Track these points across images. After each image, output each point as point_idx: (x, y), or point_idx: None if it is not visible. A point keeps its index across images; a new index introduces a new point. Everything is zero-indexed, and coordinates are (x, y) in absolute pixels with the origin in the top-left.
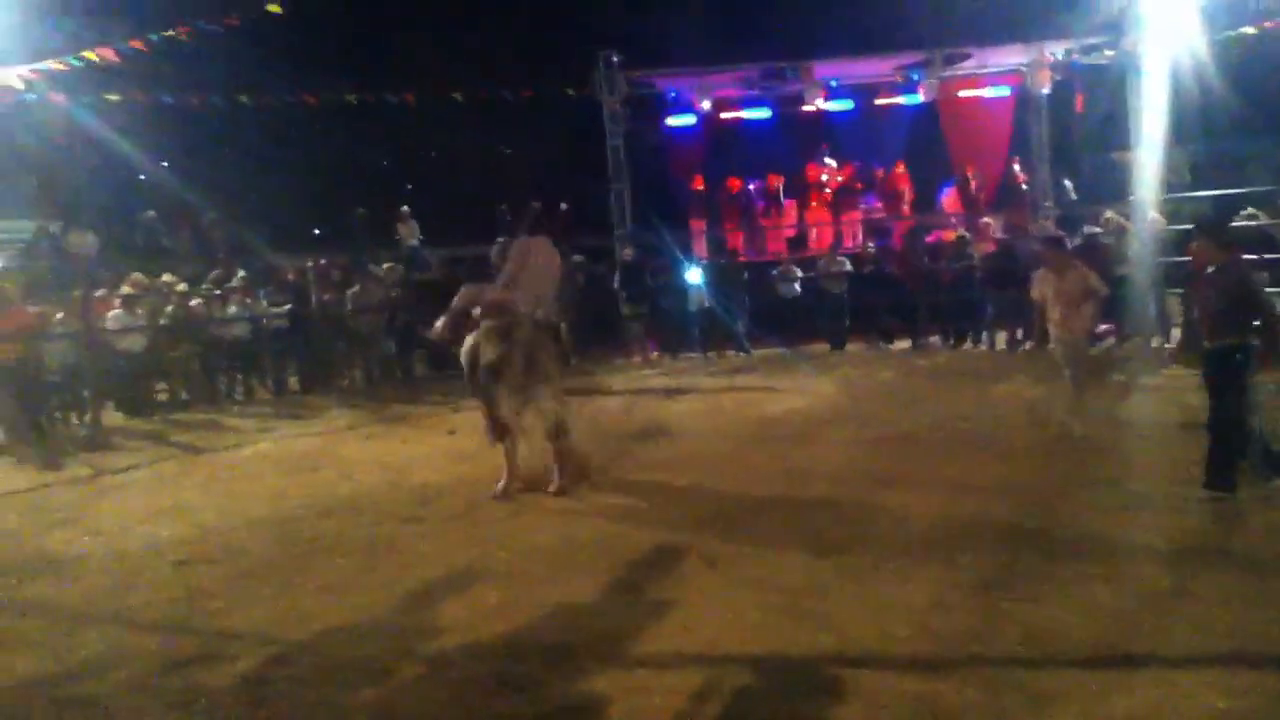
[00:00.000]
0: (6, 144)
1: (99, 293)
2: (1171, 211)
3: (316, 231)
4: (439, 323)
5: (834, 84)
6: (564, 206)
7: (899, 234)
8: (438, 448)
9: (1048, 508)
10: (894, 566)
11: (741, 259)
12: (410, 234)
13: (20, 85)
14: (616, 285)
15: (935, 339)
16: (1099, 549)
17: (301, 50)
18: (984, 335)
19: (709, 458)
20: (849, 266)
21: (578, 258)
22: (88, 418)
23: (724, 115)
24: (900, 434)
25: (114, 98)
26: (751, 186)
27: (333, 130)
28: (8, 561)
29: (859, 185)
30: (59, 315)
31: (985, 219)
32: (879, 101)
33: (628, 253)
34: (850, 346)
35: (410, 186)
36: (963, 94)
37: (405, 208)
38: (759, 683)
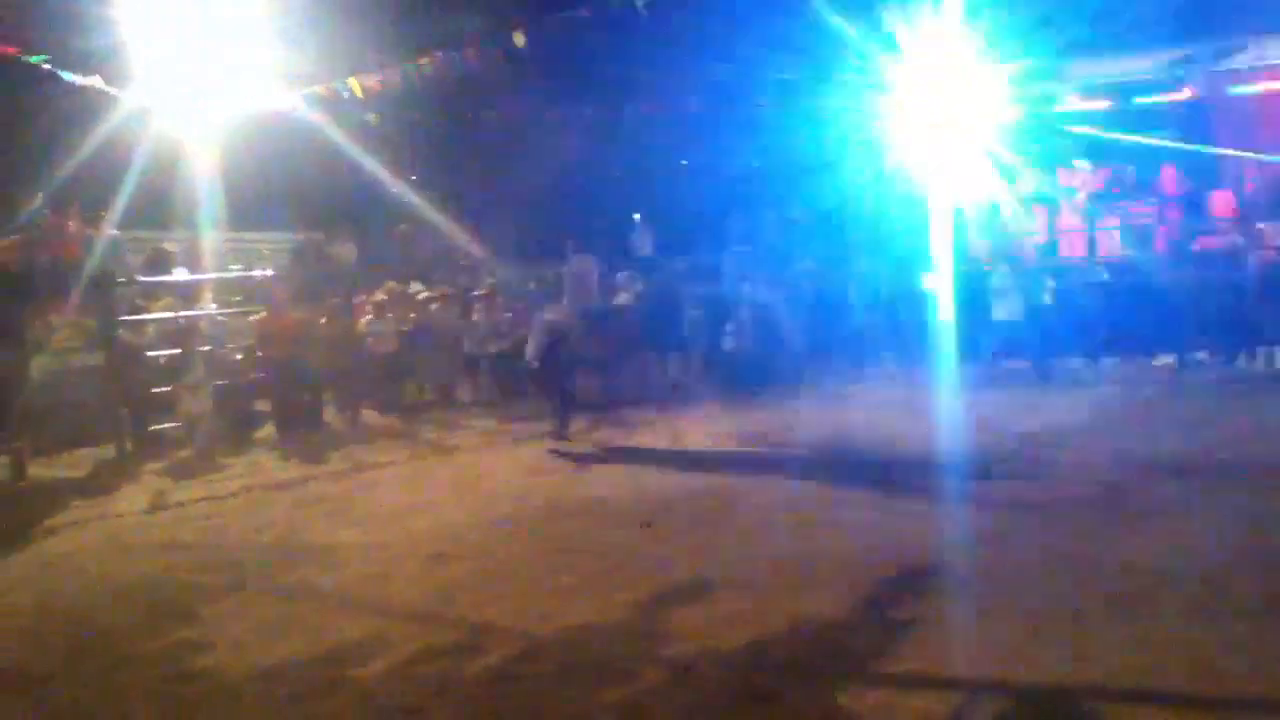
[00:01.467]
0: (277, 162)
1: (357, 299)
2: None
3: (552, 240)
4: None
5: (1088, 84)
6: (799, 213)
7: (1162, 241)
8: (667, 455)
9: None
10: (1163, 598)
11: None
12: (644, 243)
13: (294, 108)
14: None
15: (1203, 355)
16: None
17: (544, 66)
18: (1260, 352)
19: (958, 475)
20: (1106, 276)
21: (808, 266)
22: (348, 415)
23: None
24: (1162, 457)
25: (371, 118)
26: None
27: (572, 143)
28: (276, 548)
29: (1116, 190)
30: (323, 320)
31: (1262, 225)
32: (1139, 100)
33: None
34: (1105, 362)
35: (645, 197)
36: (1237, 89)
37: (639, 217)
38: (1014, 710)
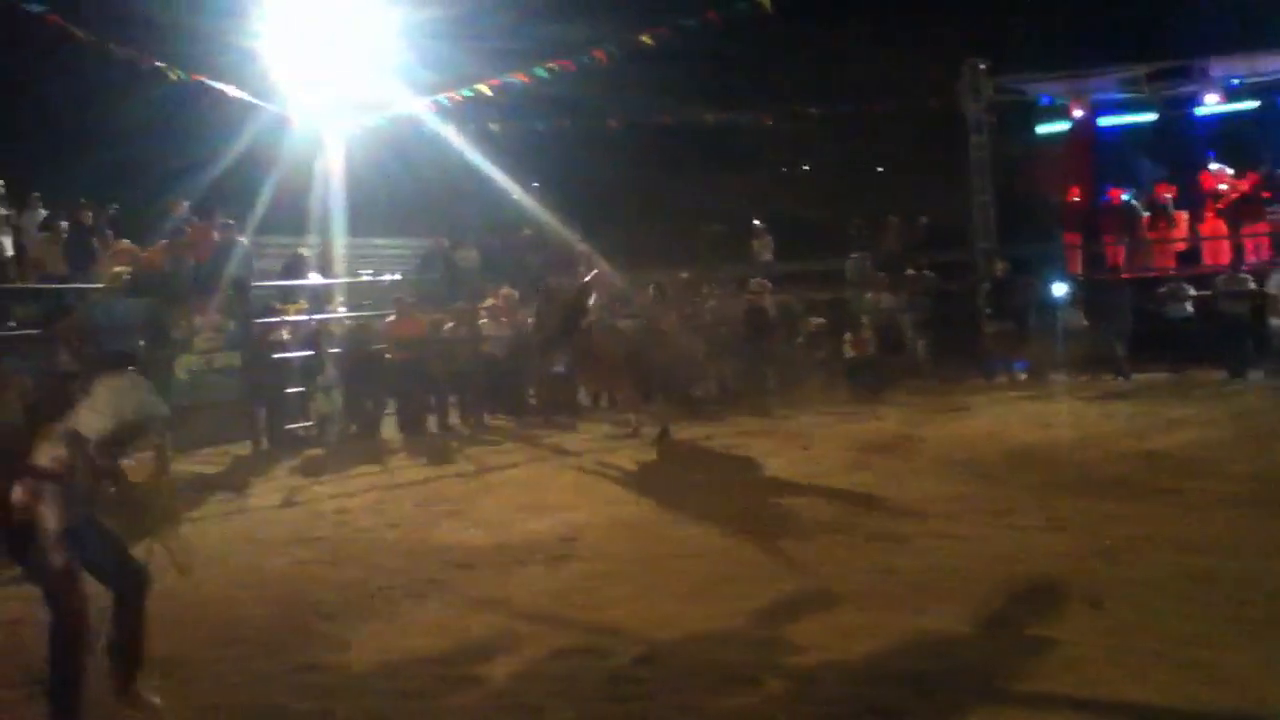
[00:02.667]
0: (405, 169)
1: (483, 304)
2: None
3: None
4: None
5: (1235, 83)
6: (923, 220)
7: None
8: (793, 462)
9: None
10: None
11: (1123, 275)
12: (764, 249)
13: (423, 116)
14: (981, 302)
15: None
16: None
17: (663, 75)
18: None
19: (1085, 490)
20: (1253, 284)
21: (928, 274)
22: (471, 417)
23: (1103, 121)
24: None
25: (494, 126)
26: (1130, 197)
27: (691, 147)
28: (403, 546)
29: (1266, 194)
30: (448, 325)
31: None
32: None
33: (1000, 267)
34: (1252, 375)
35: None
36: None
37: (758, 223)
38: None
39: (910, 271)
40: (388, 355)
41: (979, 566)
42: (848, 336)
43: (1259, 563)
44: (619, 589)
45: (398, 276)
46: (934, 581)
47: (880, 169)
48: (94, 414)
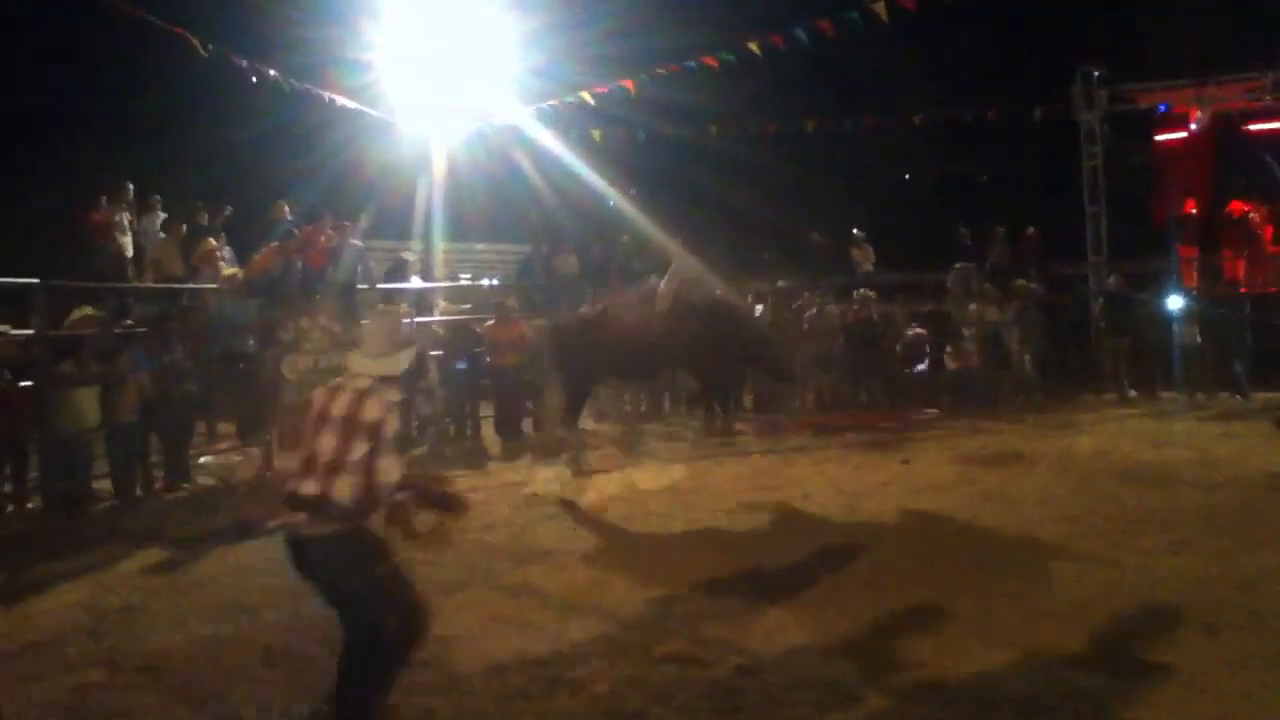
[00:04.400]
0: (507, 175)
1: (582, 310)
2: None
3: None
4: None
5: None
6: (1030, 231)
7: None
8: (894, 475)
9: None
10: None
11: (1243, 290)
12: (865, 258)
13: (525, 122)
14: (1095, 316)
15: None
16: None
17: (766, 83)
18: None
19: (1206, 512)
20: None
21: (1034, 287)
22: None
23: (1225, 130)
24: None
25: (596, 134)
26: (1252, 210)
27: (792, 155)
28: (503, 548)
29: None
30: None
31: None
32: None
33: (1114, 281)
34: None
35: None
36: None
37: (859, 231)
38: None
39: (1018, 283)
40: (488, 360)
41: (1093, 589)
42: (949, 349)
43: None
44: (721, 600)
45: (496, 282)
46: (1045, 603)
47: (986, 178)
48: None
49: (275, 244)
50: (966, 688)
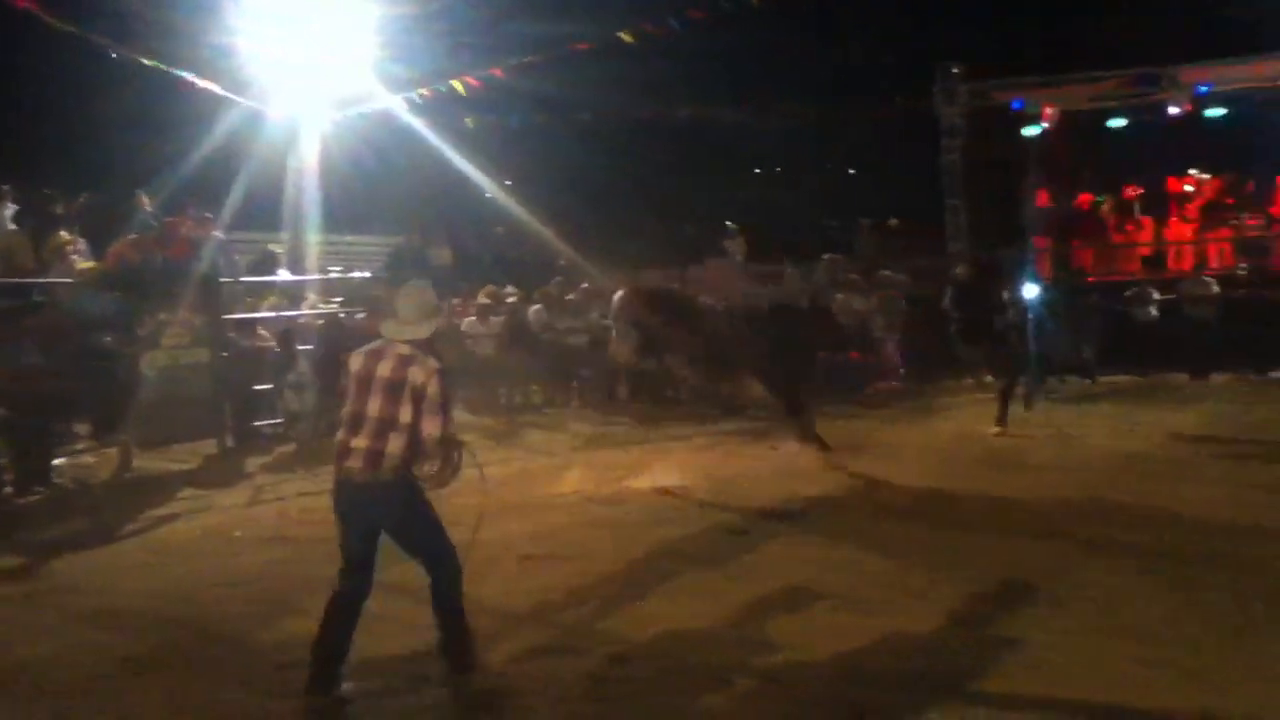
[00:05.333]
0: (378, 165)
1: (454, 302)
2: None
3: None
4: None
5: (1203, 90)
6: (894, 222)
7: (1278, 254)
8: (762, 462)
9: None
10: (1275, 626)
11: (1090, 279)
12: (737, 250)
13: (397, 111)
14: (947, 305)
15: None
16: None
17: (638, 71)
18: None
19: (1056, 491)
20: (1217, 288)
21: (900, 276)
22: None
23: (1074, 127)
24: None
25: (470, 122)
26: (1103, 201)
27: (664, 147)
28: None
29: (1230, 200)
30: None
31: None
32: (1258, 107)
33: (962, 271)
34: (1216, 377)
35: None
36: None
37: (731, 224)
38: None
39: (883, 273)
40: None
41: (954, 566)
42: None
43: (1233, 564)
44: (595, 589)
45: (368, 274)
46: (907, 581)
47: (853, 171)
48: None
49: (133, 236)
50: (834, 665)
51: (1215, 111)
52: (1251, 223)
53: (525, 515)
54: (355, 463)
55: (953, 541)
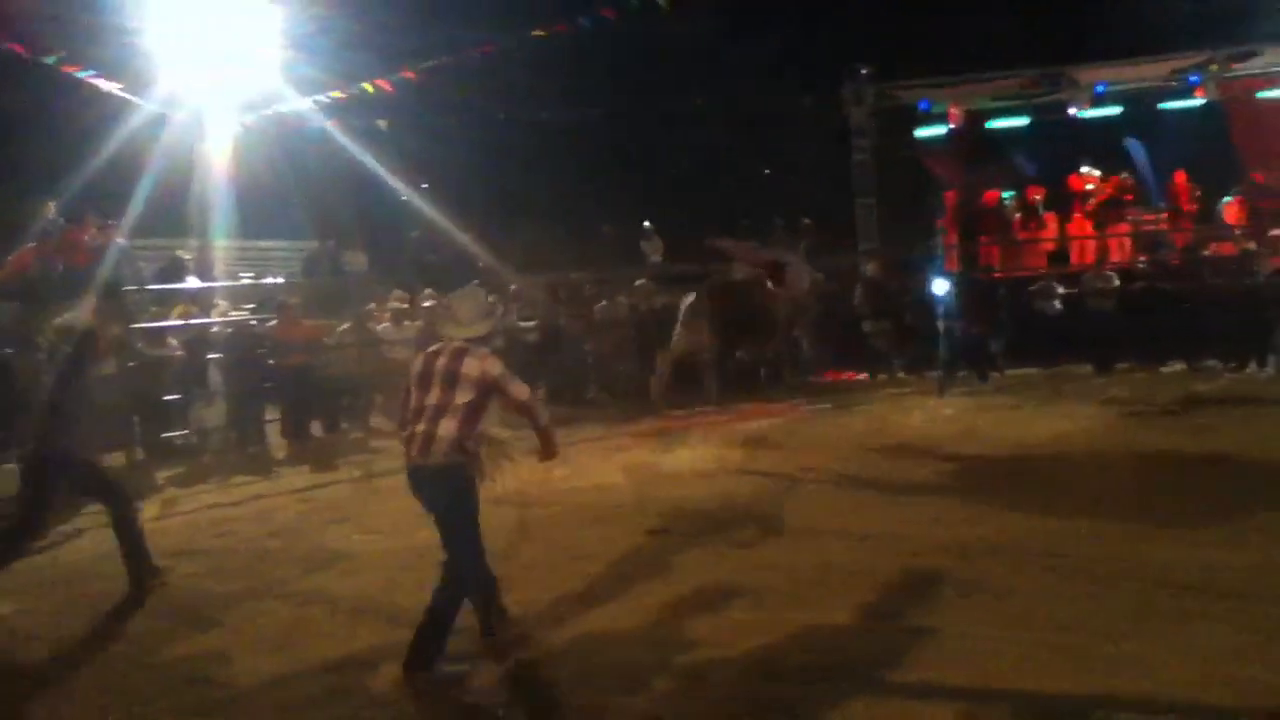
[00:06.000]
0: (290, 168)
1: (369, 307)
2: None
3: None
4: None
5: (1101, 89)
6: (806, 221)
7: (1176, 247)
8: (684, 461)
9: None
10: (1174, 608)
11: (997, 274)
12: (654, 250)
13: (308, 114)
14: (858, 301)
15: (1214, 362)
16: None
17: (556, 72)
18: (1271, 359)
19: (965, 481)
20: (1117, 283)
21: (818, 275)
22: (360, 423)
23: (979, 126)
24: (1178, 464)
25: (382, 124)
26: (1008, 198)
27: (581, 147)
28: (290, 555)
29: (1128, 196)
30: (342, 327)
31: (1275, 231)
32: (1151, 107)
33: (872, 267)
34: (1118, 368)
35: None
36: (1250, 96)
37: (648, 224)
38: None
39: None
40: (271, 361)
41: (867, 560)
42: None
43: (1135, 551)
44: (510, 593)
45: (280, 280)
46: (823, 576)
47: (768, 171)
48: None
49: (32, 245)
50: (751, 662)
51: (1112, 109)
52: (1148, 218)
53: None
54: (414, 449)
55: (867, 536)
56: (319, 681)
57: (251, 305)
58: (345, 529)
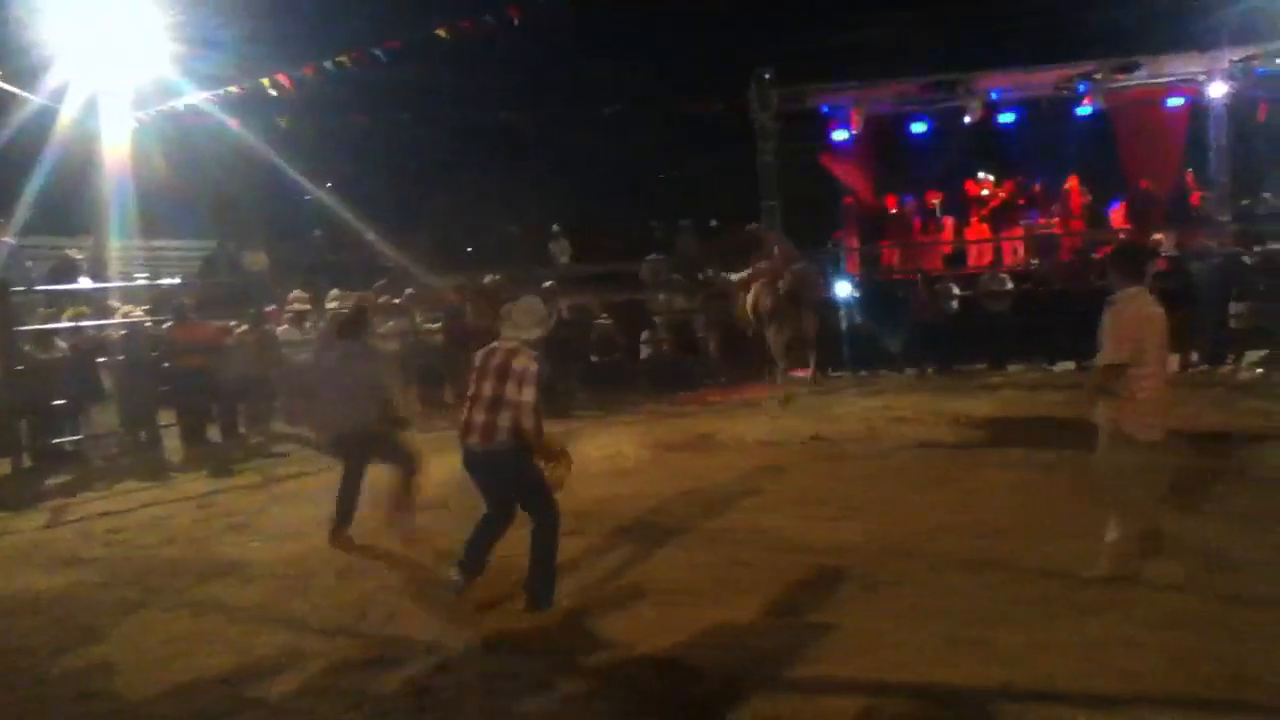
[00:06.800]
0: (188, 167)
1: (269, 308)
2: None
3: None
4: None
5: (995, 96)
6: (714, 224)
7: (1066, 250)
8: (593, 463)
9: (1241, 544)
10: (1069, 601)
11: (897, 276)
12: (562, 252)
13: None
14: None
15: None
16: None
17: (461, 71)
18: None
19: (866, 479)
20: (1010, 284)
21: (722, 276)
22: (258, 427)
23: (880, 131)
24: (1071, 459)
25: (283, 122)
26: (908, 202)
27: (488, 149)
28: (186, 563)
29: (1021, 201)
30: (240, 329)
31: (1157, 235)
32: (1045, 114)
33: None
34: (1011, 367)
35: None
36: (1134, 105)
37: (556, 226)
38: (923, 713)
39: (706, 274)
40: (166, 364)
41: (775, 557)
42: (645, 337)
43: (1031, 545)
44: (415, 599)
45: (177, 280)
46: (732, 574)
47: (677, 173)
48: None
49: None
50: (659, 660)
51: (1006, 117)
52: (1041, 222)
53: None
54: (474, 437)
55: (773, 533)
56: (213, 694)
57: (147, 306)
58: (243, 536)
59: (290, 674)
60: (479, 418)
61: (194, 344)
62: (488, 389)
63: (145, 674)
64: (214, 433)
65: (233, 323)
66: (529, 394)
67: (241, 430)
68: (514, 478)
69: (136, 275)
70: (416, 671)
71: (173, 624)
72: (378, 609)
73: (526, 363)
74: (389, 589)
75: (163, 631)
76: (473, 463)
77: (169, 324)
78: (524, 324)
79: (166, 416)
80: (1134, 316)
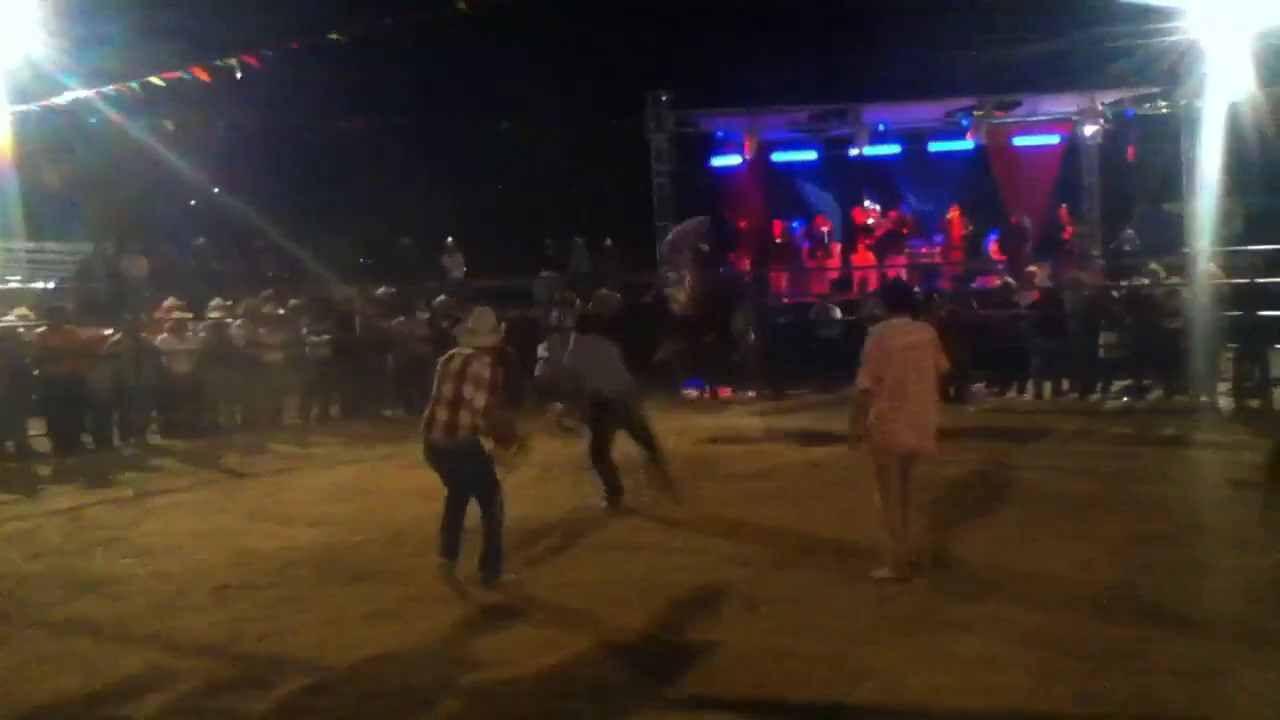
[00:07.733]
0: (67, 167)
1: (149, 315)
2: (1227, 264)
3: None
4: None
5: (882, 128)
6: (608, 243)
7: (948, 279)
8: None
9: (1105, 565)
10: (943, 618)
11: (785, 300)
12: (455, 265)
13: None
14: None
15: (979, 386)
16: (1159, 612)
17: (357, 78)
18: (1030, 384)
19: (752, 498)
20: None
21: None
22: (133, 438)
23: (771, 157)
24: (953, 481)
25: (169, 123)
26: (797, 228)
27: (382, 158)
28: (51, 579)
29: (905, 230)
30: (114, 336)
31: (1031, 267)
32: (927, 146)
33: (668, 291)
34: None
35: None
36: (1012, 141)
37: (450, 239)
38: None
39: (600, 292)
40: (37, 371)
41: (653, 576)
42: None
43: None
44: (292, 617)
45: (51, 284)
46: (611, 592)
47: (573, 190)
48: None
49: None
50: (539, 679)
51: (893, 148)
52: (924, 251)
53: (220, 542)
54: (437, 433)
55: (656, 550)
56: (76, 713)
57: (19, 310)
58: (114, 551)
59: (158, 694)
60: (441, 416)
61: (66, 351)
62: (448, 390)
63: (4, 694)
64: (87, 443)
65: (108, 330)
66: (482, 397)
67: (116, 441)
68: (467, 472)
69: (8, 278)
70: (291, 691)
71: (37, 643)
72: (254, 627)
73: (480, 368)
74: (268, 606)
75: (25, 649)
76: (435, 455)
77: (41, 329)
78: (480, 330)
79: (37, 426)
80: (874, 346)
